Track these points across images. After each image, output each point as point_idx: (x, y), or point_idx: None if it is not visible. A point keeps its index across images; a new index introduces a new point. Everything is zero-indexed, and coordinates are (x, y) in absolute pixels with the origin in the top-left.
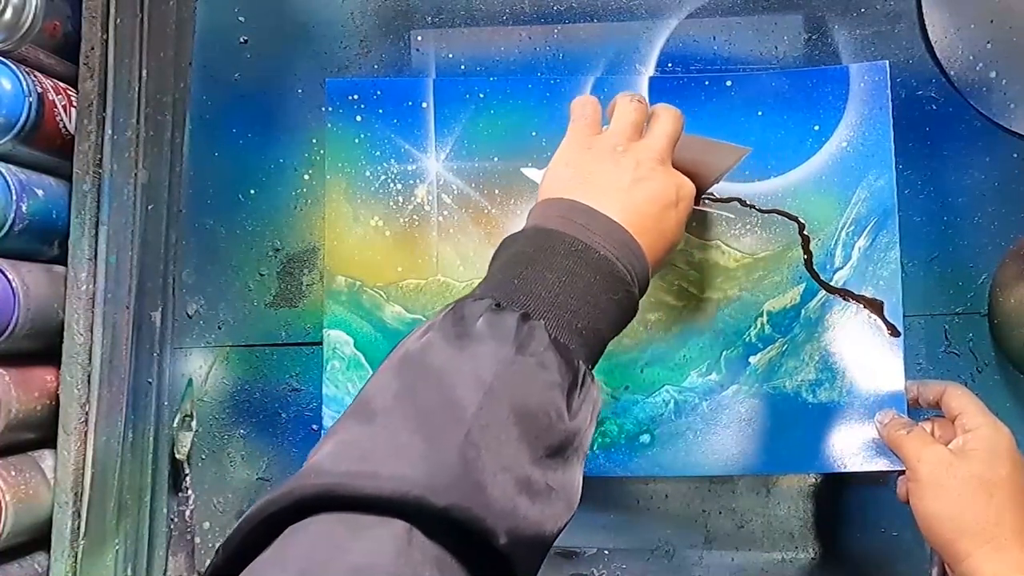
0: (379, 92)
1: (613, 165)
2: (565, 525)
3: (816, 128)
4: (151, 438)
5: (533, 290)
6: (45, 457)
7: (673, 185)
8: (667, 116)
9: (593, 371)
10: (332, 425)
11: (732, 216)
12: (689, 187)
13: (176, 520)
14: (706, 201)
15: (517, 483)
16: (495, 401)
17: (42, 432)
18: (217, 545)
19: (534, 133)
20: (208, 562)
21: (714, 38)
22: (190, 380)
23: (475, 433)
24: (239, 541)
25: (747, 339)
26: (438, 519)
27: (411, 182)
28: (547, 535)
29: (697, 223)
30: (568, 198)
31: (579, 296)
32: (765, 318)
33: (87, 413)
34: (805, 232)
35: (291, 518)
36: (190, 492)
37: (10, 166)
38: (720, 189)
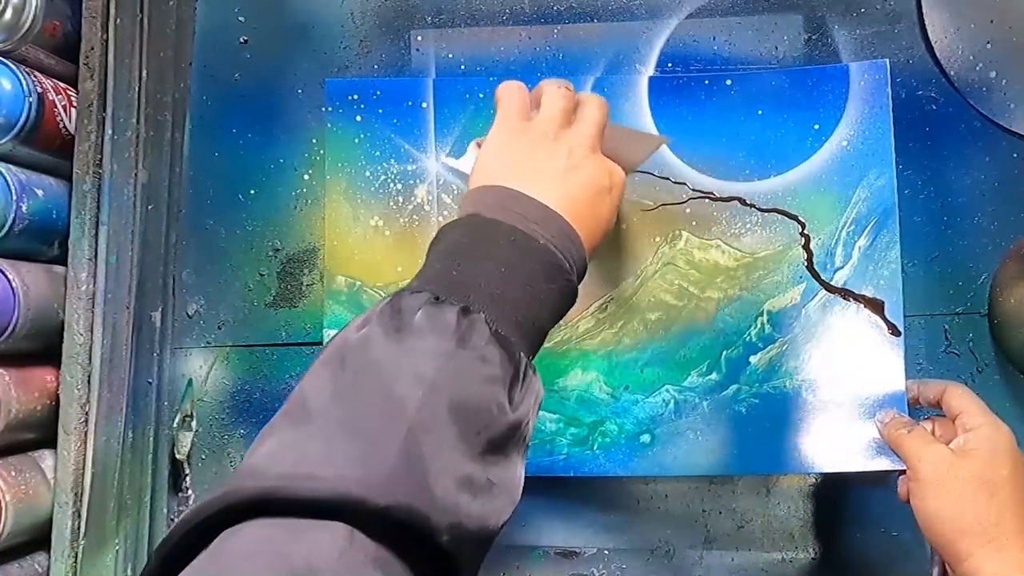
0: (379, 92)
1: (547, 153)
2: (508, 518)
3: (816, 127)
4: (151, 438)
5: (472, 282)
6: (45, 457)
7: (606, 172)
8: (594, 104)
9: (533, 361)
10: (269, 422)
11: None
12: (620, 174)
13: (176, 520)
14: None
15: (458, 480)
16: (436, 397)
17: (42, 432)
18: None
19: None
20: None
21: (714, 38)
22: (190, 380)
23: (416, 431)
24: (173, 545)
25: (747, 339)
26: (379, 519)
27: (411, 182)
28: (490, 530)
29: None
30: (503, 185)
31: (519, 287)
32: (765, 318)
33: (87, 413)
34: (805, 231)
35: (227, 522)
36: (190, 492)
37: (10, 166)
38: (720, 188)
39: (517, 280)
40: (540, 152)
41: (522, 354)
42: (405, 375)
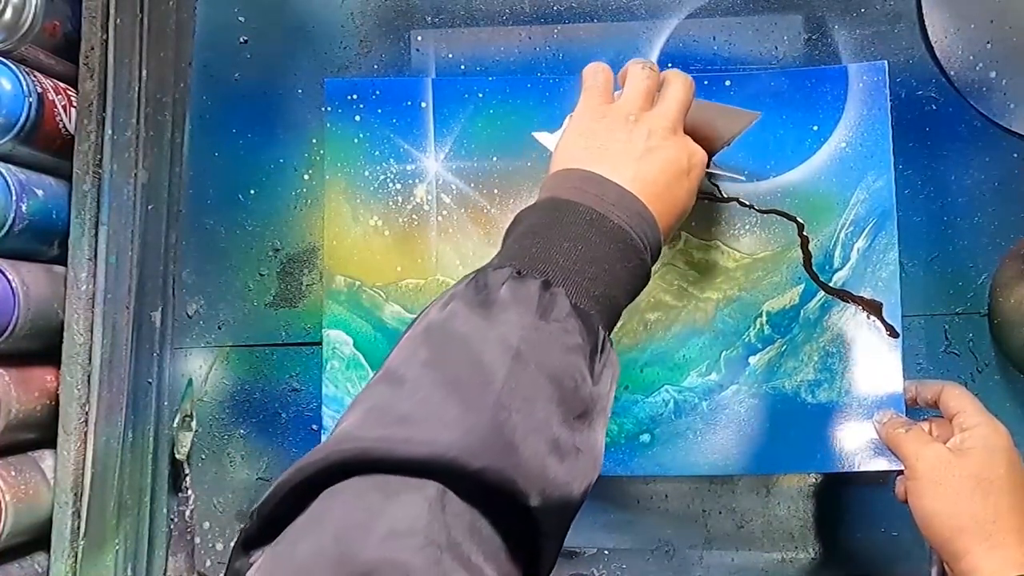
0: (378, 92)
1: (626, 134)
2: (590, 486)
3: (815, 128)
4: (151, 438)
5: (551, 258)
6: (45, 457)
7: (685, 153)
8: (678, 83)
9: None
10: (357, 395)
11: (741, 178)
12: (701, 155)
13: (176, 520)
14: (715, 163)
15: (547, 444)
16: (523, 365)
17: (42, 432)
18: (217, 545)
19: (533, 133)
20: (236, 536)
21: (714, 38)
22: (190, 380)
23: (505, 396)
24: (273, 506)
25: (746, 339)
26: (471, 481)
27: (410, 182)
28: (575, 496)
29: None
30: (582, 168)
31: (596, 264)
32: (764, 318)
33: (87, 413)
34: (804, 232)
35: (325, 483)
36: (190, 492)
37: (10, 166)
38: (719, 189)
39: (593, 258)
40: (619, 134)
41: (600, 327)
42: (492, 345)
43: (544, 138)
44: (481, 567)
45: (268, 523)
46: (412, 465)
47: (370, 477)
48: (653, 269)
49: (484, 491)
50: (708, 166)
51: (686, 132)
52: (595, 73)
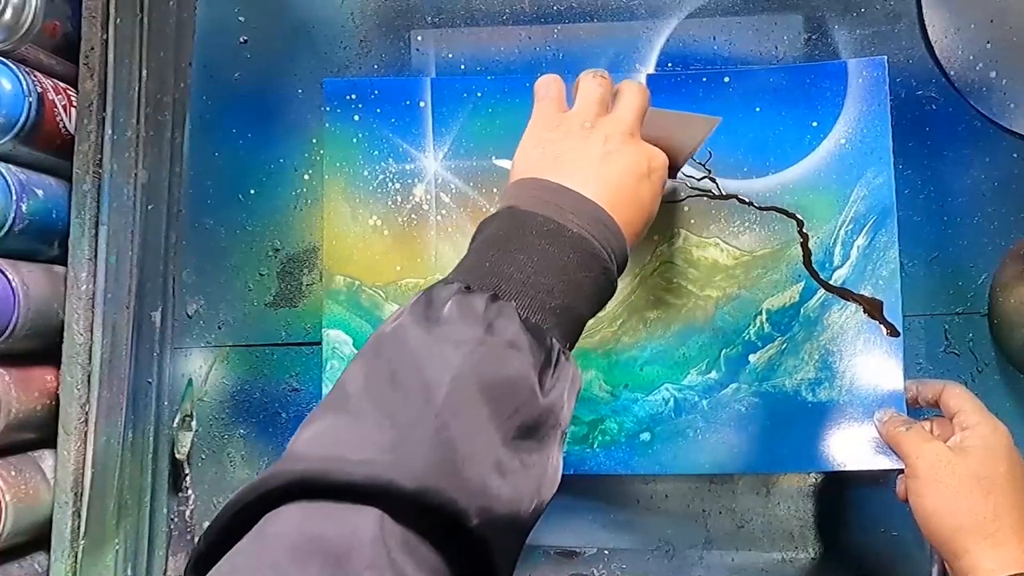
0: (377, 91)
1: (582, 141)
2: (544, 505)
3: (814, 124)
4: (151, 438)
5: (504, 271)
6: (45, 457)
7: (644, 157)
8: (632, 90)
9: (571, 350)
10: (311, 412)
11: (704, 189)
12: (661, 158)
13: (176, 520)
14: (681, 175)
15: (489, 464)
16: (464, 382)
17: (42, 432)
18: None
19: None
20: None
21: (714, 38)
22: (190, 380)
23: (446, 416)
24: (219, 528)
25: (746, 337)
26: (409, 503)
27: (409, 181)
28: (522, 515)
29: (669, 199)
30: (540, 177)
31: (553, 275)
32: (764, 316)
33: (87, 413)
34: (804, 230)
35: (269, 505)
36: (190, 492)
37: (10, 166)
38: (718, 186)
39: (551, 269)
40: (575, 141)
41: (554, 340)
42: (435, 362)
43: (507, 164)
44: None
45: (215, 544)
46: (350, 489)
47: (310, 503)
48: (651, 267)
49: (425, 512)
50: (674, 176)
51: (646, 141)
52: (547, 85)
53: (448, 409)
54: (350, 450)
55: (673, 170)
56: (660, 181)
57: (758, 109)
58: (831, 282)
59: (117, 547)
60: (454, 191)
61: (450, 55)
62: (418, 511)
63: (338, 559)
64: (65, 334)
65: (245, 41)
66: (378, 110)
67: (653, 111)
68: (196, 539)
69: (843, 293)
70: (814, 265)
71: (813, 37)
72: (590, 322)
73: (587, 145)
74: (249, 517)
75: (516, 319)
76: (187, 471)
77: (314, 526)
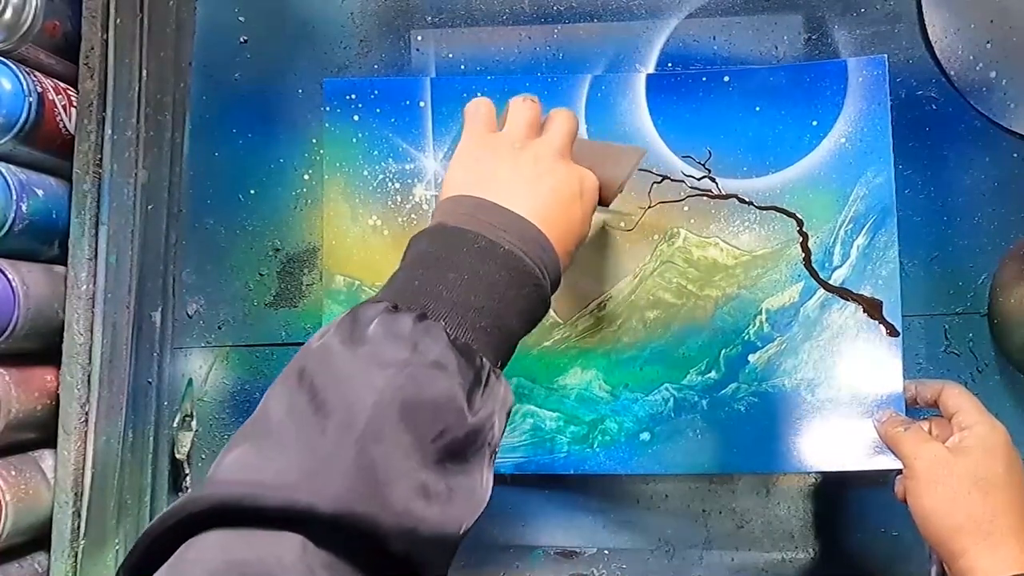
0: (376, 91)
1: (513, 161)
2: (472, 525)
3: (814, 124)
4: (151, 438)
5: (433, 290)
6: (45, 457)
7: (575, 178)
8: (562, 115)
9: (502, 369)
10: (234, 434)
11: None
12: (592, 179)
13: None
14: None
15: (413, 487)
16: (388, 406)
17: (42, 432)
18: None
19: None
20: None
21: (714, 38)
22: (190, 380)
23: (366, 440)
24: (139, 556)
25: (746, 337)
26: (330, 527)
27: (409, 181)
28: (449, 536)
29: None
30: (472, 195)
31: (484, 294)
32: (764, 316)
33: (87, 413)
34: (803, 229)
35: (189, 532)
36: (190, 492)
37: (10, 166)
38: (717, 186)
39: (481, 287)
40: (506, 161)
41: (484, 360)
42: (358, 384)
43: None
44: None
45: (136, 571)
46: (270, 514)
47: (231, 530)
48: (651, 267)
49: (347, 536)
50: (608, 206)
51: None
52: (476, 106)
53: (370, 434)
54: (270, 475)
55: (605, 201)
56: (591, 202)
57: (758, 109)
58: (831, 282)
59: (117, 547)
60: None
61: (450, 55)
62: (340, 535)
63: None
64: (65, 334)
65: (245, 41)
66: (378, 110)
67: (581, 141)
68: None
69: (843, 293)
70: (814, 265)
71: (813, 37)
72: (589, 323)
73: (518, 165)
74: (168, 544)
75: (443, 338)
76: (187, 471)
77: (235, 552)
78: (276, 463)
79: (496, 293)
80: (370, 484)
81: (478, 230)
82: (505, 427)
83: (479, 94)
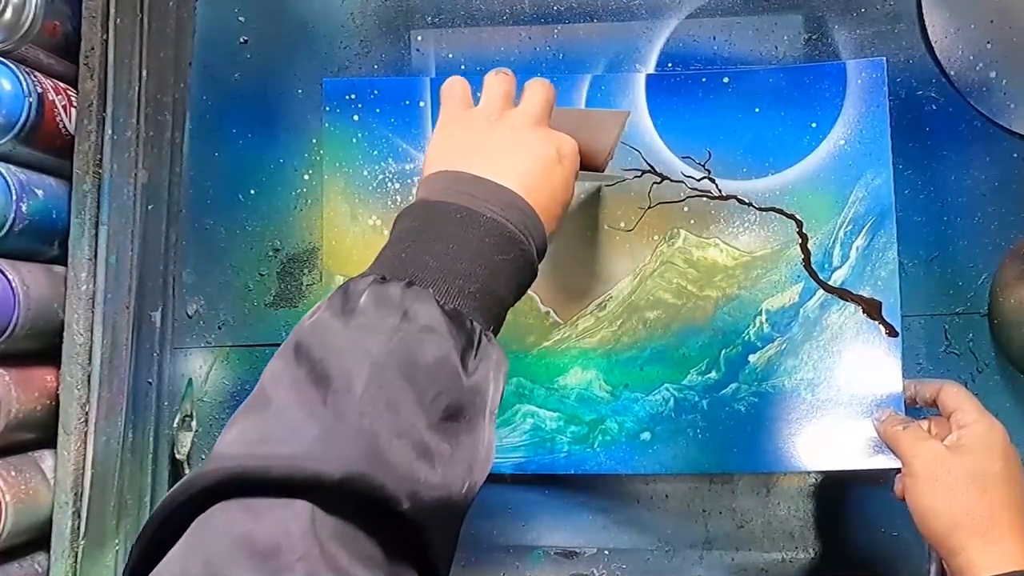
0: (376, 91)
1: (489, 133)
2: (478, 486)
3: (813, 125)
4: (151, 438)
5: (420, 260)
6: (45, 457)
7: (553, 144)
8: (537, 83)
9: (496, 334)
10: (234, 414)
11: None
12: (571, 143)
13: None
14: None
15: (414, 448)
16: (384, 370)
17: (42, 432)
18: None
19: None
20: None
21: (714, 38)
22: (190, 380)
23: (366, 404)
24: (148, 538)
25: (746, 337)
26: (337, 492)
27: (409, 181)
28: (455, 498)
29: (589, 195)
30: (451, 169)
31: (469, 260)
32: (764, 317)
33: (87, 413)
34: (803, 230)
35: (197, 509)
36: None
37: (10, 166)
38: (717, 187)
39: (466, 255)
40: (483, 133)
41: (475, 323)
42: (354, 353)
43: None
44: None
45: (146, 554)
46: (278, 483)
47: (238, 500)
48: (651, 268)
49: (355, 501)
50: (603, 171)
51: None
52: (451, 85)
53: (368, 397)
54: (275, 445)
55: (599, 167)
56: (572, 167)
57: (757, 110)
58: (830, 283)
59: (117, 547)
60: None
61: (450, 55)
62: (348, 500)
63: (270, 553)
64: (65, 334)
65: (245, 41)
66: (378, 110)
67: (561, 110)
68: None
69: (842, 294)
70: (813, 266)
71: (813, 37)
72: (589, 323)
73: (495, 136)
74: (177, 524)
75: (433, 304)
76: (187, 471)
77: (242, 524)
78: (279, 434)
79: (482, 259)
80: (373, 447)
81: (459, 202)
82: (503, 389)
83: (478, 94)
